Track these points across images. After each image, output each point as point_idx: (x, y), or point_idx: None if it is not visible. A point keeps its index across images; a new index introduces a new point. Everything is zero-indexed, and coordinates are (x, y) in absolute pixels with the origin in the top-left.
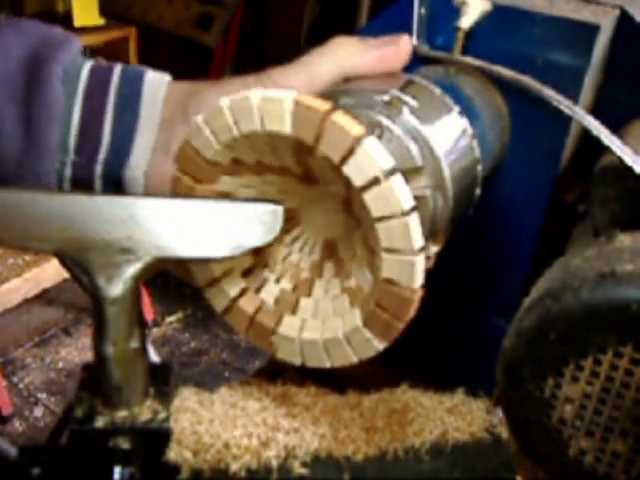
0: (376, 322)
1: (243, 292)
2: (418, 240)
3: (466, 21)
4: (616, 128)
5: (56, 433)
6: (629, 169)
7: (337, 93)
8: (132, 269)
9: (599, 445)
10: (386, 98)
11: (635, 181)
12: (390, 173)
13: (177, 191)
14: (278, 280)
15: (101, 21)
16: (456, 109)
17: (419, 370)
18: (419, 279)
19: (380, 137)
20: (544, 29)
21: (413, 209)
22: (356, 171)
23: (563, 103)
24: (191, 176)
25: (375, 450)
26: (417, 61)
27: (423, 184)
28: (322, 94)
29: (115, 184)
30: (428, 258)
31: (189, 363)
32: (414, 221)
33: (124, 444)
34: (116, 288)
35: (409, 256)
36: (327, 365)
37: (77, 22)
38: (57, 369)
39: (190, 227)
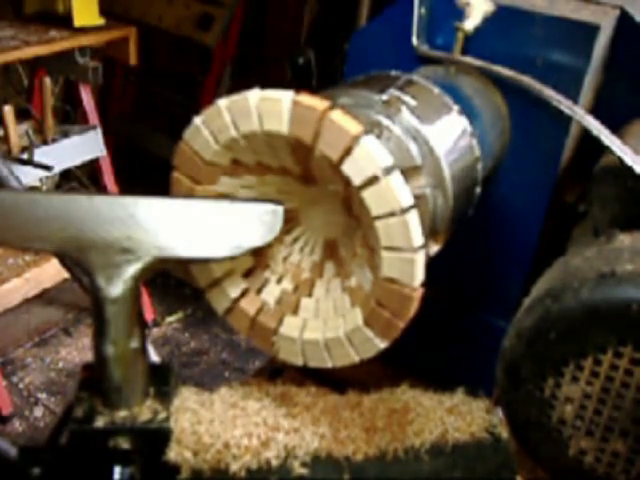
0: (377, 321)
1: (244, 293)
2: (418, 238)
3: (470, 23)
4: (616, 128)
5: (56, 433)
6: (629, 169)
7: (336, 93)
8: (132, 269)
9: (599, 445)
10: (385, 97)
11: (635, 181)
12: (389, 171)
13: (177, 192)
14: (279, 281)
15: (101, 21)
16: (456, 109)
17: (419, 370)
18: (419, 277)
19: (379, 136)
20: (544, 29)
21: (412, 207)
22: (355, 170)
23: (563, 103)
24: (190, 177)
25: (375, 450)
26: (417, 61)
27: (423, 183)
28: (321, 93)
29: None
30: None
31: (189, 363)
32: (414, 219)
33: (124, 444)
34: (116, 288)
35: (409, 254)
36: (329, 365)
37: (77, 22)
38: (57, 369)
39: (190, 227)
